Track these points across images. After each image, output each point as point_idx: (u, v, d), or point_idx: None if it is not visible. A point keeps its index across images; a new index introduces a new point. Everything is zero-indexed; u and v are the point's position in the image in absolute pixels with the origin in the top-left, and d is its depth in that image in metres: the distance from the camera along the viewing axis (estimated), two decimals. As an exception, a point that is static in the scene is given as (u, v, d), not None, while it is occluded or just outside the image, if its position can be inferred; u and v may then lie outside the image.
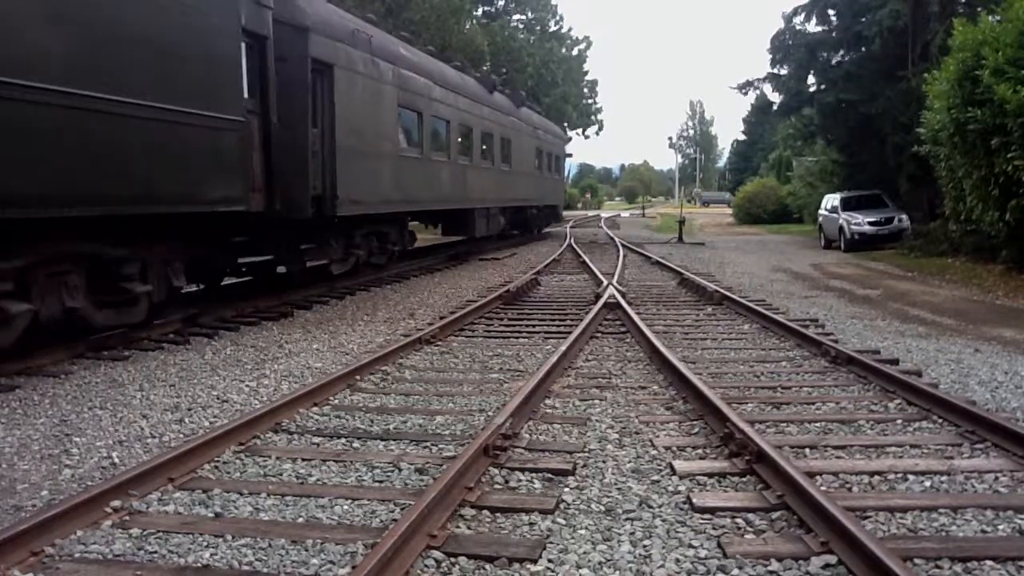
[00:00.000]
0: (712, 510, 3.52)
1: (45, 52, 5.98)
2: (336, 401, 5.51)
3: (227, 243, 9.36)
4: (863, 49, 23.90)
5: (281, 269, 11.38)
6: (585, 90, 49.05)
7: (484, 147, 18.88)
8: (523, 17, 44.79)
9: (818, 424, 4.85)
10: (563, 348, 6.65)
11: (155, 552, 3.18)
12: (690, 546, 3.19)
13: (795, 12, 25.57)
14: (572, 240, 23.10)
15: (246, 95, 8.62)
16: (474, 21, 35.86)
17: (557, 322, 8.88)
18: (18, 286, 6.23)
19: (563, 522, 3.45)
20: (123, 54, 6.68)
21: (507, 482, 3.93)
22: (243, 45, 8.46)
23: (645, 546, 3.20)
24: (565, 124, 40.14)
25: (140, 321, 7.76)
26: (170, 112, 7.22)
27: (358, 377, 6.06)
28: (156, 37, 7.06)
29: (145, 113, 6.92)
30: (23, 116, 5.81)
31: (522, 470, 4.05)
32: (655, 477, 3.99)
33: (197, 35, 7.61)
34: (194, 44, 7.57)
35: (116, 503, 3.55)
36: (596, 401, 5.43)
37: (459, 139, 16.65)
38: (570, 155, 37.66)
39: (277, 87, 9.28)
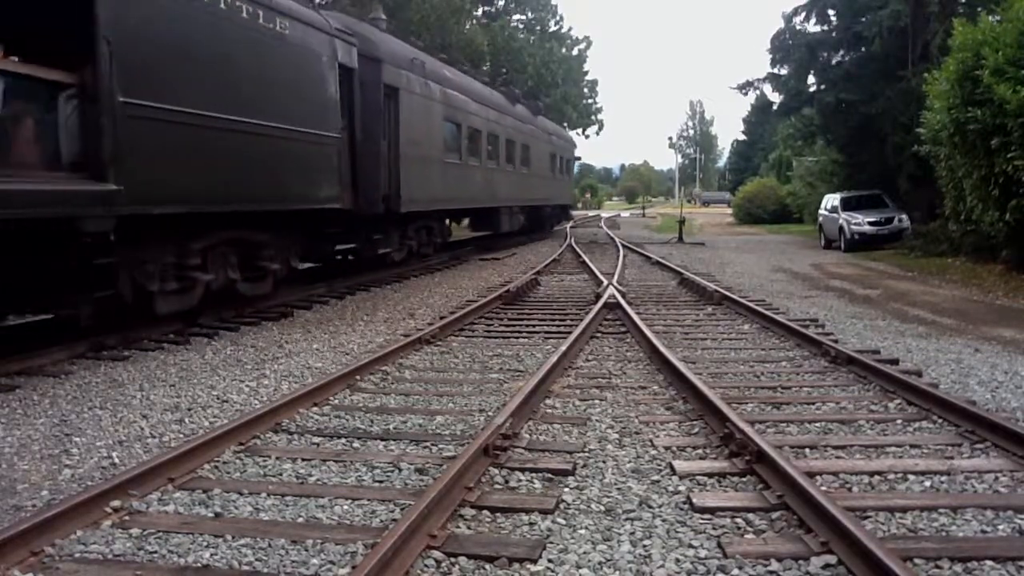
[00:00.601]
0: (712, 510, 3.52)
1: (237, 94, 8.35)
2: (336, 401, 5.51)
3: (326, 233, 11.47)
4: (863, 49, 23.87)
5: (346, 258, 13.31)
6: (585, 90, 49.00)
7: (508, 153, 21.00)
8: (523, 17, 44.75)
9: (818, 424, 4.85)
10: (563, 348, 6.65)
11: (155, 552, 3.18)
12: (690, 546, 3.19)
13: (795, 12, 25.57)
14: (572, 240, 23.12)
15: (340, 116, 10.76)
16: (474, 21, 35.87)
17: (557, 322, 8.87)
18: (202, 262, 8.38)
19: (563, 522, 3.44)
20: (260, 91, 8.82)
21: (507, 482, 3.92)
22: (338, 76, 10.64)
23: (645, 546, 3.20)
24: (565, 124, 40.15)
25: (268, 292, 9.95)
26: (296, 132, 9.51)
27: (358, 377, 6.06)
28: (290, 75, 9.40)
29: (281, 133, 9.21)
30: (203, 138, 7.88)
31: (522, 470, 4.05)
32: (655, 477, 3.99)
33: (312, 70, 9.98)
34: (310, 77, 9.94)
35: (116, 503, 3.55)
36: (596, 401, 5.43)
37: (489, 146, 18.96)
38: (579, 158, 39.01)
39: (359, 108, 11.53)
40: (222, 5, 8.01)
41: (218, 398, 5.72)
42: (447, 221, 18.27)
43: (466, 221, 21.77)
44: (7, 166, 6.04)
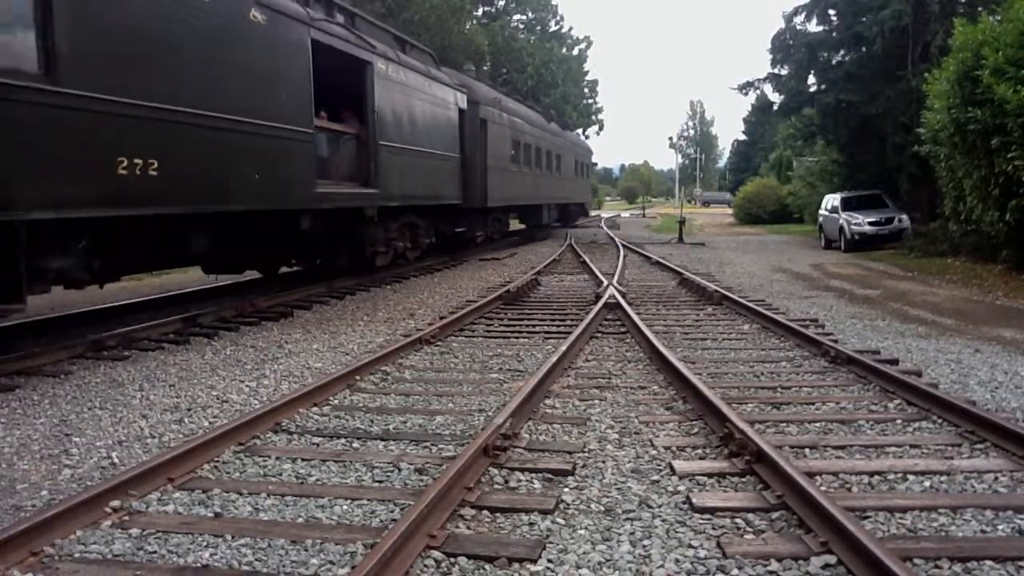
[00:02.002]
0: (712, 510, 3.52)
1: (416, 132, 13.98)
2: (336, 401, 5.51)
3: (447, 220, 16.89)
4: (863, 49, 23.81)
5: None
6: (585, 90, 49.09)
7: (547, 162, 26.59)
8: (523, 17, 44.81)
9: (818, 424, 4.84)
10: (563, 348, 6.65)
11: (155, 552, 3.18)
12: (690, 546, 3.19)
13: (795, 12, 25.49)
14: (572, 240, 23.15)
15: (458, 141, 16.51)
16: (474, 21, 35.88)
17: (557, 322, 8.87)
18: (396, 235, 13.89)
19: (563, 522, 3.44)
20: (426, 130, 14.39)
21: (507, 482, 3.92)
22: (457, 115, 16.44)
23: (645, 546, 3.20)
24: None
25: (417, 258, 15.46)
26: (441, 155, 15.28)
27: (358, 377, 6.06)
28: (436, 118, 15.07)
29: (436, 156, 14.93)
30: (407, 161, 13.43)
31: (522, 470, 4.05)
32: (655, 477, 3.98)
33: (446, 113, 15.74)
34: (446, 119, 15.76)
35: (116, 503, 3.55)
36: (596, 401, 5.43)
37: (535, 157, 24.53)
38: (595, 164, 44.75)
39: (467, 135, 17.17)
40: (412, 82, 13.59)
41: (218, 398, 5.72)
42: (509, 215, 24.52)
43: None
44: (331, 178, 11.10)
